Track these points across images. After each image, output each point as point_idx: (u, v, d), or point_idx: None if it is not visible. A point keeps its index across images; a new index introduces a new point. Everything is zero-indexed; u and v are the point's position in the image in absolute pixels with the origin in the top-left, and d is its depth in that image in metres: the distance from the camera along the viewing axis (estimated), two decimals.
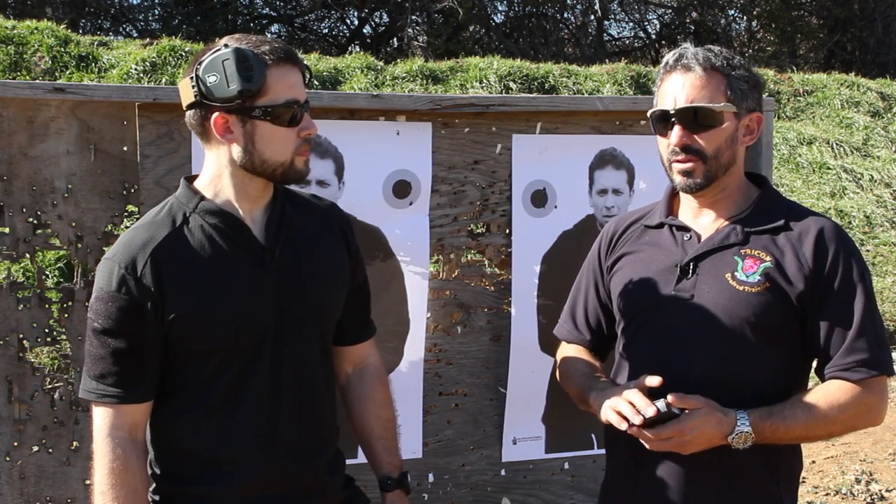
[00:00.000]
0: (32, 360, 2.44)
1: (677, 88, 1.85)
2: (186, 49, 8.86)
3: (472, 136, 2.65)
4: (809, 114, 10.98)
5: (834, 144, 10.00)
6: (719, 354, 1.85)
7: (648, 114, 1.92)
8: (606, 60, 12.53)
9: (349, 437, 2.05)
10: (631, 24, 19.08)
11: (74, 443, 2.44)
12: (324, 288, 1.89)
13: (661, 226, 1.98)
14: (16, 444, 2.40)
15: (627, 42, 19.35)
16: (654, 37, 18.65)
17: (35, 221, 2.37)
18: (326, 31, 18.07)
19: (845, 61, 16.79)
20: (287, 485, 1.83)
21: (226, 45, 1.73)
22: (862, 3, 17.21)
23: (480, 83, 9.59)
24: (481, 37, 16.45)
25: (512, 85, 9.70)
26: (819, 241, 1.83)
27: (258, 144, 1.75)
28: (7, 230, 2.36)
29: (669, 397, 1.75)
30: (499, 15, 17.67)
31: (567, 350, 2.15)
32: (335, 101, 2.52)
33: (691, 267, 1.89)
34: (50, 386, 2.43)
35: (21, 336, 2.39)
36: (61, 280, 5.29)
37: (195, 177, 1.86)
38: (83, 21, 15.12)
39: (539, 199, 2.72)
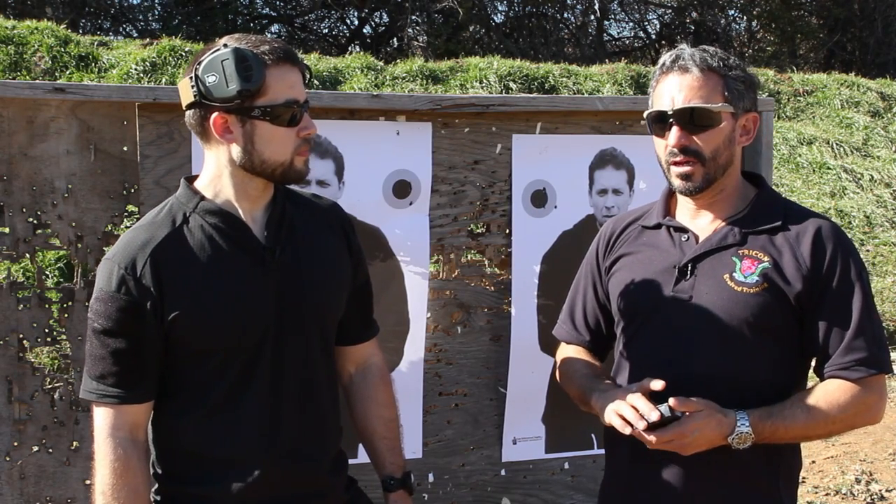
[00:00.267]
0: (32, 360, 2.44)
1: (674, 89, 1.85)
2: (186, 49, 8.87)
3: (472, 136, 2.65)
4: (809, 114, 10.98)
5: (834, 144, 10.00)
6: (718, 355, 1.85)
7: (645, 115, 1.92)
8: (606, 60, 12.53)
9: (348, 437, 2.05)
10: (631, 24, 19.10)
11: (74, 443, 2.44)
12: (325, 287, 1.88)
13: (658, 226, 1.98)
14: (16, 444, 2.40)
15: (627, 42, 19.34)
16: (654, 37, 18.65)
17: (35, 221, 2.37)
18: (326, 31, 18.08)
19: (845, 61, 16.79)
20: (289, 486, 1.83)
21: (225, 45, 1.73)
22: (862, 3, 17.21)
23: (480, 83, 9.59)
24: (481, 37, 16.45)
25: (512, 85, 9.71)
26: (817, 241, 1.84)
27: (257, 144, 1.75)
28: (7, 230, 2.36)
29: (671, 401, 1.75)
30: (499, 15, 17.69)
31: (566, 351, 2.15)
32: (335, 101, 2.52)
33: (689, 268, 1.89)
34: (50, 386, 2.43)
35: (21, 336, 2.39)
36: (61, 280, 5.29)
37: (195, 177, 1.86)
38: (83, 21, 15.12)
39: (539, 199, 2.72)
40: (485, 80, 9.63)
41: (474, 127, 2.65)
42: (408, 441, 2.22)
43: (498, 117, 2.66)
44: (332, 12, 17.07)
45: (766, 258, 1.84)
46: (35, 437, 2.42)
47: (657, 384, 1.80)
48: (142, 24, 15.99)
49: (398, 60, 10.24)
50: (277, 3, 17.32)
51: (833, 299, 1.82)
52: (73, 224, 2.39)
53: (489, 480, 2.76)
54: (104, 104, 2.38)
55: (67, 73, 8.38)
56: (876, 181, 9.47)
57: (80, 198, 2.39)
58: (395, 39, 16.19)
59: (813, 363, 1.90)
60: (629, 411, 1.78)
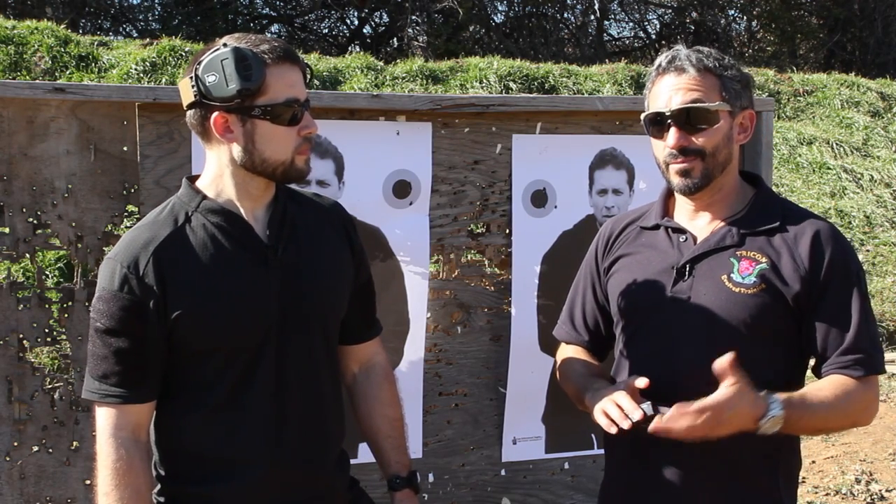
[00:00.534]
0: (32, 360, 2.44)
1: (671, 90, 1.86)
2: (186, 49, 8.87)
3: (472, 136, 2.65)
4: (809, 114, 10.98)
5: (834, 144, 10.00)
6: (717, 356, 1.84)
7: (642, 116, 1.92)
8: (606, 60, 12.54)
9: (349, 437, 2.05)
10: (631, 24, 19.10)
11: (74, 443, 2.44)
12: (327, 286, 1.88)
13: (656, 227, 1.99)
14: (16, 444, 2.40)
15: (627, 42, 19.35)
16: (654, 37, 18.65)
17: (35, 221, 2.37)
18: (326, 31, 18.08)
19: (845, 61, 16.79)
20: (292, 486, 1.83)
21: (225, 45, 1.73)
22: (862, 3, 17.21)
23: (480, 83, 9.59)
24: (481, 37, 16.46)
25: (512, 85, 9.71)
26: (815, 243, 1.84)
27: (258, 143, 1.75)
28: (7, 230, 2.36)
29: (717, 364, 1.67)
30: (499, 15, 17.69)
31: (566, 351, 2.15)
32: (335, 101, 2.52)
33: (687, 269, 1.89)
34: (50, 386, 2.43)
35: (21, 336, 2.39)
36: (61, 280, 5.29)
37: (197, 177, 1.86)
38: (83, 21, 15.13)
39: (539, 199, 2.72)
40: (485, 80, 9.63)
41: (474, 127, 2.65)
42: (408, 441, 2.22)
43: (498, 117, 2.66)
44: (332, 12, 17.07)
45: (763, 259, 1.85)
46: (35, 437, 2.42)
47: (641, 381, 1.79)
48: (142, 24, 16.00)
49: (398, 60, 10.24)
50: (277, 3, 17.33)
51: (832, 301, 1.82)
52: (73, 224, 2.39)
53: (489, 480, 2.76)
54: (104, 104, 2.38)
55: (67, 73, 8.38)
56: (876, 181, 9.47)
57: (80, 198, 2.39)
58: (395, 39, 16.19)
59: (811, 363, 1.90)
60: (614, 410, 1.78)
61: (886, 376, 6.29)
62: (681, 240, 1.93)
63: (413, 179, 2.60)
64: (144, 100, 2.36)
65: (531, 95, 7.85)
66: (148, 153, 2.39)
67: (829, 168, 9.50)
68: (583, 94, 9.74)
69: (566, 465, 2.81)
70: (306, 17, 17.61)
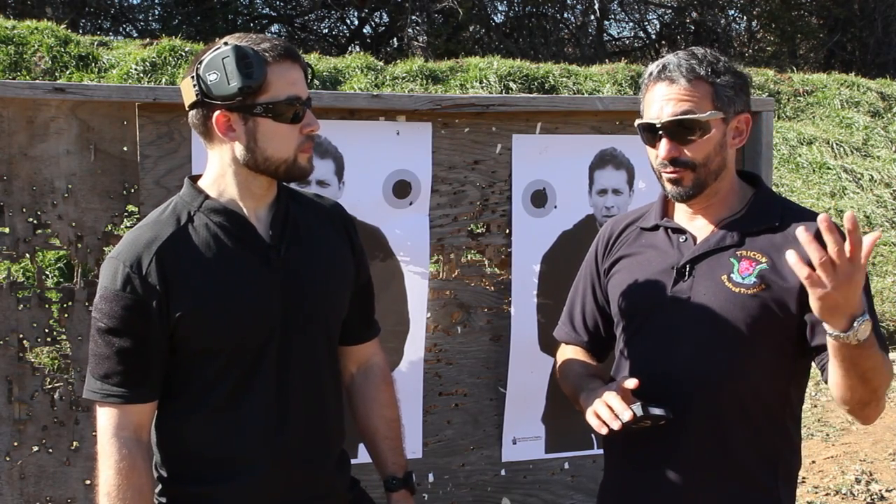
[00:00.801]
0: (32, 360, 2.44)
1: (662, 100, 1.85)
2: (186, 49, 8.87)
3: (472, 136, 2.65)
4: (809, 114, 10.98)
5: (834, 144, 10.00)
6: (717, 356, 1.85)
7: (636, 124, 1.92)
8: (606, 60, 12.53)
9: (349, 437, 2.05)
10: (631, 24, 19.10)
11: (74, 443, 2.44)
12: (329, 286, 1.88)
13: (656, 228, 1.98)
14: (16, 444, 2.40)
15: (627, 42, 19.34)
16: (654, 37, 18.65)
17: (35, 221, 2.37)
18: (326, 31, 18.08)
19: (845, 61, 16.79)
20: (293, 486, 1.83)
21: (226, 44, 1.73)
22: (862, 3, 17.21)
23: (480, 83, 9.59)
24: (481, 37, 16.46)
25: (512, 85, 9.71)
26: (817, 241, 1.83)
27: (260, 142, 1.75)
28: (7, 230, 2.36)
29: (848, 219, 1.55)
30: (499, 15, 17.69)
31: (566, 351, 2.15)
32: (335, 101, 2.53)
33: (687, 269, 1.89)
34: (50, 386, 2.43)
35: (21, 336, 2.39)
36: (61, 280, 5.29)
37: (198, 176, 1.86)
38: (83, 21, 15.12)
39: (539, 199, 2.72)
40: (485, 80, 9.63)
41: (474, 127, 2.65)
42: (408, 441, 2.22)
43: (498, 117, 2.66)
44: (332, 12, 17.07)
45: (764, 259, 1.84)
46: (35, 437, 2.42)
47: (631, 382, 1.79)
48: (142, 24, 16.00)
49: (398, 60, 10.24)
50: (277, 3, 17.32)
51: None
52: (73, 224, 2.39)
53: (489, 480, 2.76)
54: (104, 104, 2.38)
55: (67, 73, 8.38)
56: (876, 181, 9.47)
57: (80, 198, 2.39)
58: (395, 39, 16.19)
59: (815, 363, 1.90)
60: (605, 411, 1.78)
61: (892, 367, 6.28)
62: (681, 240, 1.93)
63: (413, 179, 2.60)
64: (144, 100, 2.36)
65: (531, 95, 7.85)
66: (148, 153, 2.39)
67: (829, 168, 9.50)
68: (583, 94, 9.74)
69: (566, 465, 2.81)
70: (306, 17, 17.61)
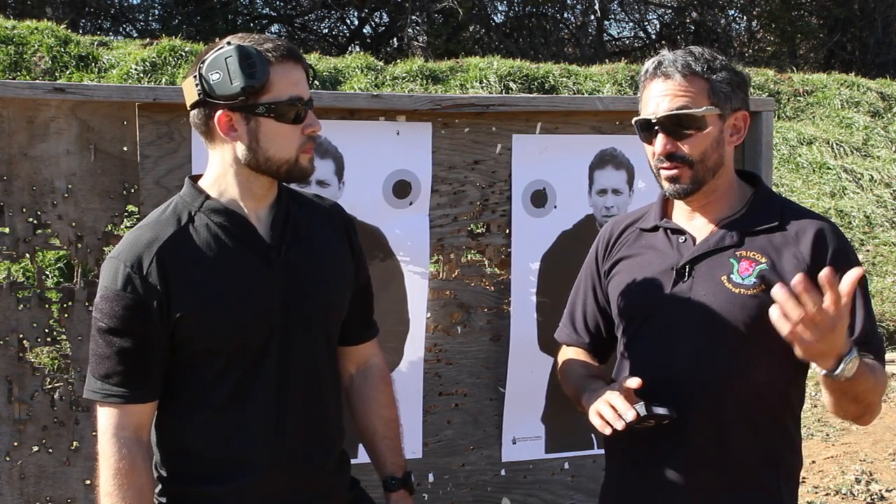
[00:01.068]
0: (32, 360, 2.44)
1: (658, 96, 1.85)
2: (186, 49, 8.87)
3: (472, 136, 2.65)
4: (809, 114, 10.98)
5: (834, 144, 10.00)
6: (717, 357, 1.85)
7: (633, 121, 1.92)
8: (606, 60, 12.53)
9: (349, 437, 2.05)
10: (631, 24, 19.10)
11: (74, 443, 2.44)
12: (329, 287, 1.88)
13: (655, 229, 1.98)
14: (16, 444, 2.40)
15: (627, 42, 19.34)
16: (654, 37, 18.64)
17: (35, 221, 2.37)
18: (326, 31, 18.08)
19: (845, 61, 16.79)
20: (293, 486, 1.83)
21: (228, 43, 1.73)
22: (862, 3, 17.21)
23: (480, 83, 9.59)
24: (481, 37, 16.46)
25: (512, 85, 9.70)
26: (817, 242, 1.83)
27: (262, 142, 1.75)
28: (7, 230, 2.36)
29: (823, 274, 1.55)
30: (499, 15, 17.69)
31: (567, 353, 2.15)
32: (335, 101, 2.53)
33: (687, 270, 1.89)
34: (50, 386, 2.43)
35: (21, 336, 2.39)
36: (61, 280, 5.29)
37: (199, 176, 1.86)
38: (83, 21, 15.12)
39: (539, 199, 2.72)
40: (485, 80, 9.63)
41: (474, 127, 2.65)
42: (408, 441, 2.22)
43: (498, 117, 2.66)
44: (332, 12, 17.07)
45: (763, 259, 1.84)
46: (35, 437, 2.42)
47: (634, 382, 1.79)
48: (142, 24, 16.00)
49: (398, 60, 10.24)
50: (277, 3, 17.32)
51: None
52: (73, 224, 2.39)
53: (489, 480, 2.76)
54: (104, 104, 2.38)
55: (67, 73, 8.38)
56: (876, 181, 9.47)
57: (80, 198, 2.39)
58: (395, 39, 16.19)
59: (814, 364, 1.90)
60: (608, 411, 1.78)
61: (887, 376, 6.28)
62: (680, 241, 1.93)
63: (413, 179, 2.60)
64: (144, 100, 2.36)
65: (531, 95, 7.85)
66: (148, 153, 2.39)
67: (829, 168, 9.50)
68: (583, 94, 9.74)
69: (566, 465, 2.81)
70: (306, 17, 17.61)
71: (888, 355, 6.73)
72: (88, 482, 2.41)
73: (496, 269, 2.74)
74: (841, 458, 5.02)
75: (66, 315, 2.41)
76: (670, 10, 18.48)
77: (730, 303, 1.83)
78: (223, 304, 1.75)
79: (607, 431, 1.78)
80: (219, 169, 1.81)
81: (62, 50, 8.62)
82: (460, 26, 15.90)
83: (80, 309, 2.40)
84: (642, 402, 1.76)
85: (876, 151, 10.12)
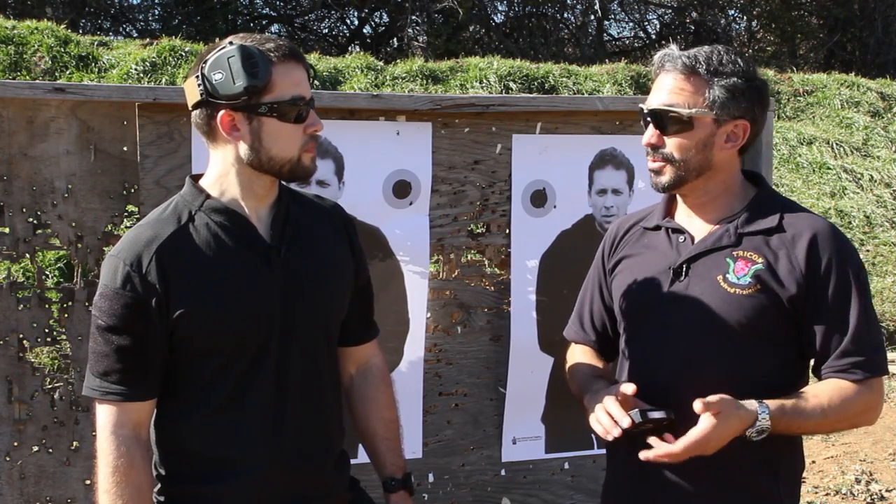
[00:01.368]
0: (32, 360, 2.44)
1: (657, 88, 1.87)
2: (186, 49, 8.86)
3: (472, 136, 2.65)
4: (809, 114, 10.98)
5: (834, 144, 10.00)
6: (712, 356, 1.85)
7: (639, 107, 1.94)
8: (606, 60, 12.52)
9: (349, 437, 2.05)
10: (631, 24, 19.09)
11: (74, 443, 2.44)
12: (329, 287, 1.89)
13: (657, 228, 1.99)
14: (16, 444, 2.40)
15: (627, 42, 19.34)
16: (654, 37, 18.63)
17: (35, 221, 2.37)
18: (326, 31, 18.07)
19: (845, 61, 16.79)
20: (293, 485, 1.83)
21: (230, 43, 1.73)
22: (862, 3, 17.20)
23: (480, 83, 9.59)
24: (481, 37, 16.45)
25: (512, 85, 9.70)
26: (813, 244, 1.82)
27: (265, 141, 1.75)
28: (7, 230, 2.36)
29: (697, 404, 1.71)
30: (499, 15, 17.68)
31: (574, 350, 2.16)
32: (335, 101, 2.53)
33: (684, 269, 1.89)
34: (50, 386, 2.43)
35: (21, 336, 2.39)
36: (61, 280, 5.29)
37: (200, 176, 1.86)
38: (83, 21, 15.12)
39: (539, 198, 2.72)
40: (485, 80, 9.63)
41: (474, 127, 2.65)
42: (408, 441, 2.23)
43: (498, 117, 2.66)
44: (332, 12, 17.06)
45: (760, 260, 1.84)
46: (35, 437, 2.42)
47: (628, 388, 1.80)
48: (142, 24, 15.99)
49: (398, 60, 10.23)
50: (277, 3, 17.32)
51: (829, 303, 1.80)
52: (73, 224, 2.39)
53: (489, 480, 2.76)
54: (104, 104, 2.38)
55: (67, 73, 8.38)
56: (876, 181, 9.47)
57: (80, 198, 2.39)
58: (395, 39, 16.18)
59: (811, 364, 1.90)
60: (605, 418, 1.79)
61: (887, 376, 6.28)
62: (679, 240, 1.93)
63: (413, 179, 2.60)
64: (144, 100, 2.36)
65: (531, 95, 7.85)
66: (148, 153, 2.39)
67: (829, 168, 9.50)
68: (583, 94, 9.74)
69: (566, 465, 2.81)
70: (306, 17, 17.60)
71: (889, 355, 6.73)
72: (88, 482, 2.41)
73: (496, 269, 2.74)
74: (841, 458, 5.02)
75: (66, 315, 2.41)
76: (670, 10, 18.48)
77: (725, 302, 1.83)
78: (222, 304, 1.75)
79: (609, 438, 1.79)
80: (220, 168, 1.81)
81: (62, 50, 8.62)
82: (460, 26, 15.90)
83: (80, 309, 2.40)
84: (637, 409, 1.77)
85: (876, 151, 10.12)
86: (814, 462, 4.94)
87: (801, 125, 10.51)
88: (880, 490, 4.61)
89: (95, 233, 2.41)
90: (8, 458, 2.40)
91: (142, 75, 8.47)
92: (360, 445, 2.17)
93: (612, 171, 2.76)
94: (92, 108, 2.37)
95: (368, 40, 16.72)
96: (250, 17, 16.34)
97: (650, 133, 1.87)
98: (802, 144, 9.94)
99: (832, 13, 17.27)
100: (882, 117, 10.97)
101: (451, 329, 2.70)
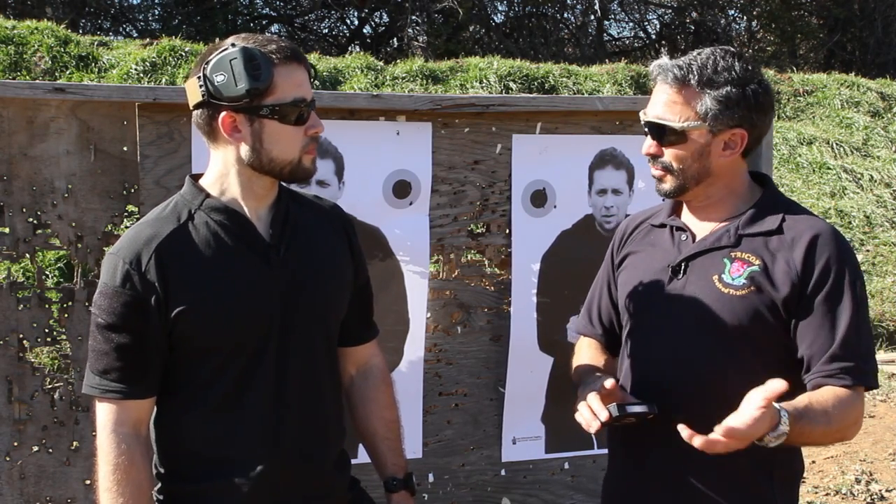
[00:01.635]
0: (32, 360, 2.44)
1: (653, 99, 1.88)
2: (186, 49, 8.86)
3: (472, 136, 2.65)
4: (809, 114, 10.98)
5: (834, 144, 10.00)
6: (706, 356, 1.85)
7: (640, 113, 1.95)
8: (606, 60, 12.53)
9: (349, 437, 2.05)
10: (631, 24, 19.08)
11: (74, 443, 2.44)
12: (328, 286, 1.89)
13: (663, 226, 2.00)
14: (16, 444, 2.41)
15: (627, 42, 19.34)
16: (654, 37, 18.64)
17: (35, 221, 2.37)
18: (326, 31, 18.07)
19: (845, 61, 16.79)
20: (292, 486, 1.83)
21: (233, 45, 1.73)
22: (862, 3, 17.21)
23: (480, 83, 9.59)
24: (481, 37, 16.45)
25: (512, 85, 9.71)
26: (810, 248, 1.81)
27: (266, 143, 1.75)
28: (7, 230, 2.36)
29: (756, 396, 1.61)
30: (499, 15, 17.68)
31: (582, 344, 2.17)
32: (335, 101, 2.53)
33: (682, 267, 1.90)
34: (50, 386, 2.43)
35: (21, 336, 2.39)
36: (61, 280, 5.29)
37: (200, 175, 1.86)
38: (83, 21, 15.12)
39: (539, 199, 2.72)
40: (485, 80, 9.63)
41: (474, 127, 2.65)
42: (408, 441, 2.23)
43: (498, 117, 2.66)
44: (332, 12, 17.06)
45: (756, 261, 1.83)
46: (35, 437, 2.42)
47: (608, 383, 1.82)
48: (142, 24, 16.00)
49: (398, 60, 10.24)
50: (277, 3, 17.32)
51: (821, 307, 1.78)
52: (73, 224, 2.39)
53: (489, 480, 2.76)
54: (104, 104, 2.38)
55: (67, 73, 8.38)
56: (876, 181, 9.47)
57: (80, 198, 2.39)
58: (395, 39, 16.19)
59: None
60: (586, 412, 1.79)
61: (886, 376, 6.28)
62: (681, 238, 1.94)
63: (413, 179, 2.60)
64: (144, 100, 2.36)
65: (531, 95, 7.85)
66: (148, 153, 2.39)
67: (829, 168, 9.50)
68: (583, 94, 9.74)
69: (566, 465, 2.81)
70: (306, 17, 17.60)
71: (889, 355, 6.73)
72: (88, 482, 2.41)
73: (496, 269, 2.74)
74: (841, 458, 5.02)
75: (66, 315, 2.41)
76: (670, 10, 18.48)
77: (718, 302, 1.83)
78: (221, 303, 1.75)
79: (591, 431, 1.79)
80: (221, 168, 1.81)
81: (62, 50, 8.62)
82: (460, 26, 15.91)
83: (80, 309, 2.40)
84: (615, 403, 1.78)
85: (876, 151, 10.12)
86: (814, 462, 4.94)
87: (801, 125, 10.51)
88: (880, 490, 4.61)
89: (95, 233, 2.41)
90: (8, 458, 2.40)
91: (142, 75, 8.47)
92: (361, 445, 2.17)
93: (612, 171, 2.76)
94: (92, 108, 2.37)
95: (368, 40, 16.72)
96: (250, 17, 16.34)
97: (648, 143, 1.89)
98: (802, 144, 9.95)
99: (832, 13, 17.27)
100: (882, 117, 10.97)
101: (451, 329, 2.70)
